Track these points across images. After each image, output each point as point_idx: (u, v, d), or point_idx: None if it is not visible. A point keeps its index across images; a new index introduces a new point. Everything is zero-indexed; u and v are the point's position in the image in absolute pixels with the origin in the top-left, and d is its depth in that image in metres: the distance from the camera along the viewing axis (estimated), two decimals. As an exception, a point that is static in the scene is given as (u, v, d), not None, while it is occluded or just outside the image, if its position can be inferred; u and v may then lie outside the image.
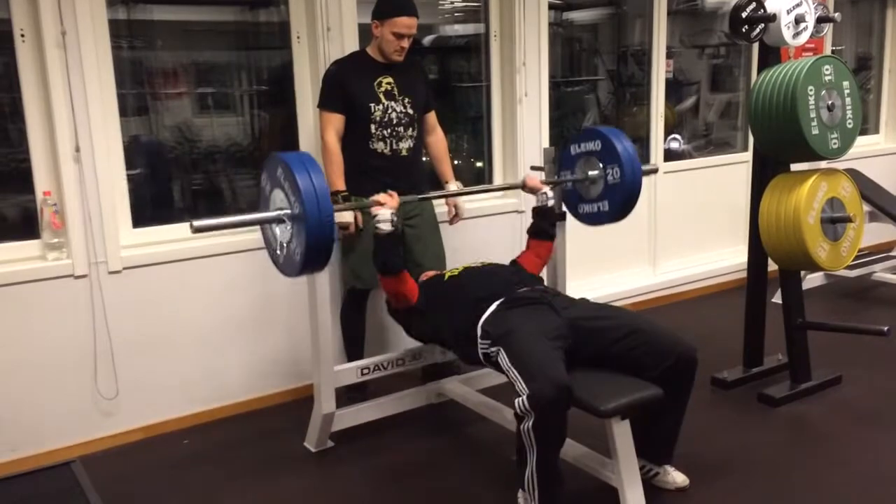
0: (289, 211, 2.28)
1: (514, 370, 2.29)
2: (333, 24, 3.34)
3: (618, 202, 2.99)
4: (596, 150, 3.00)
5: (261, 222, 2.40)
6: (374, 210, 2.58)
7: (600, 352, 2.45)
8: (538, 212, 2.99)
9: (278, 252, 2.41)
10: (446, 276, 2.82)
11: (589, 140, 3.02)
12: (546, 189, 2.95)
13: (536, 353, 2.29)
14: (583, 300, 2.70)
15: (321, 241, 2.22)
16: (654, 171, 3.20)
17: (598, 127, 3.06)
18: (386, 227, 2.56)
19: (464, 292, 2.66)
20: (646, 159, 4.66)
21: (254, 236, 3.26)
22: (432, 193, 3.11)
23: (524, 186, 2.98)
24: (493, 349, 2.43)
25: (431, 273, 2.97)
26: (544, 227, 2.98)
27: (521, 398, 2.19)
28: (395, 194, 2.64)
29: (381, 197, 2.61)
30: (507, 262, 3.01)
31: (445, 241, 3.41)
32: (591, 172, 3.02)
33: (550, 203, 2.97)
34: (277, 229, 2.37)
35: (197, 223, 2.21)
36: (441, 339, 2.80)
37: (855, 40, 5.92)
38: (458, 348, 2.68)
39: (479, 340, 2.50)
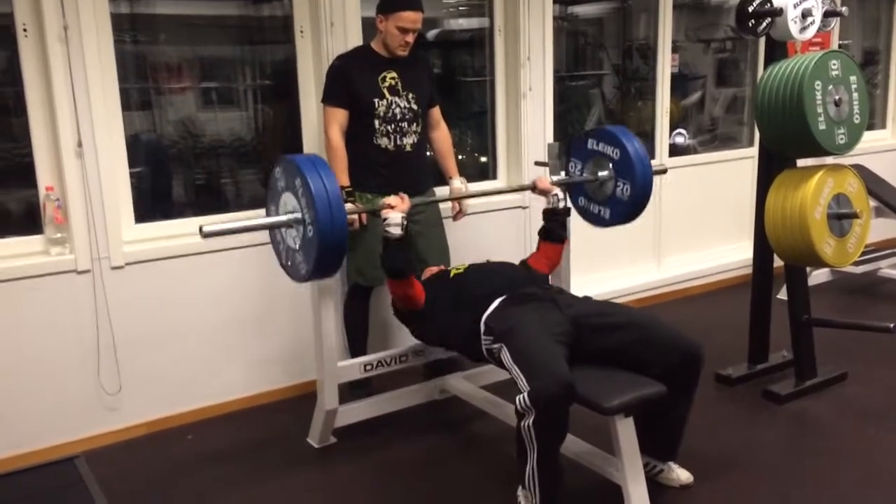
0: (300, 215, 2.24)
1: (516, 367, 2.28)
2: (337, 18, 3.32)
3: (619, 215, 2.97)
4: (614, 158, 2.91)
5: (272, 227, 2.37)
6: (385, 213, 2.54)
7: (604, 349, 2.44)
8: (549, 213, 2.93)
9: (286, 257, 2.39)
10: (452, 274, 2.80)
11: (610, 144, 2.92)
12: (557, 190, 2.90)
13: (539, 350, 2.28)
14: (587, 298, 2.69)
15: (333, 247, 2.19)
16: (664, 171, 3.13)
17: (625, 138, 2.90)
18: (396, 230, 2.52)
19: (468, 289, 2.65)
20: (651, 154, 4.63)
21: (257, 233, 3.26)
22: (442, 197, 3.06)
23: (534, 188, 2.93)
24: (495, 345, 2.43)
25: (435, 269, 2.96)
26: (555, 228, 2.92)
27: (522, 395, 2.18)
28: (405, 197, 2.61)
29: (391, 199, 2.57)
30: (511, 258, 2.99)
31: (449, 236, 3.40)
32: (601, 173, 2.96)
33: (562, 205, 2.91)
34: (287, 234, 2.33)
35: (207, 228, 2.18)
36: (446, 341, 2.77)
37: (862, 35, 5.88)
38: (462, 346, 2.66)
39: (483, 336, 2.49)
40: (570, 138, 3.09)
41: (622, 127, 2.98)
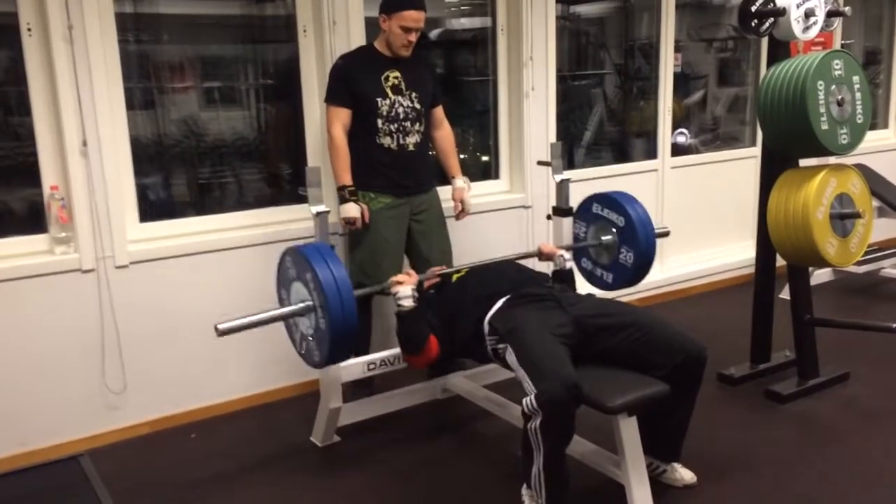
0: (311, 303, 2.30)
1: (522, 369, 2.28)
2: (339, 17, 3.33)
3: (621, 281, 3.01)
4: (618, 225, 2.95)
5: (285, 317, 2.44)
6: (394, 289, 2.56)
7: (608, 349, 2.44)
8: (558, 277, 2.89)
9: (300, 343, 2.47)
10: (454, 279, 2.80)
11: (615, 211, 2.96)
12: (562, 252, 2.89)
13: (544, 353, 2.28)
14: (590, 296, 2.69)
15: (345, 338, 2.26)
16: (666, 234, 3.18)
17: (629, 206, 2.93)
18: (408, 303, 2.54)
19: (470, 292, 2.65)
20: (653, 154, 4.65)
21: (258, 231, 3.27)
22: (449, 269, 3.02)
23: (540, 255, 2.92)
24: (500, 346, 2.43)
25: (438, 271, 2.93)
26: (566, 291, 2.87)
27: (528, 397, 2.19)
28: (412, 272, 2.65)
29: (399, 277, 2.60)
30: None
31: (452, 236, 3.40)
32: (604, 238, 2.99)
33: (569, 266, 2.89)
34: (300, 322, 2.41)
35: (222, 326, 2.24)
36: (454, 349, 2.72)
37: (864, 34, 5.88)
38: (467, 349, 2.66)
39: (487, 336, 2.50)
40: (580, 205, 3.10)
41: (626, 193, 3.01)
